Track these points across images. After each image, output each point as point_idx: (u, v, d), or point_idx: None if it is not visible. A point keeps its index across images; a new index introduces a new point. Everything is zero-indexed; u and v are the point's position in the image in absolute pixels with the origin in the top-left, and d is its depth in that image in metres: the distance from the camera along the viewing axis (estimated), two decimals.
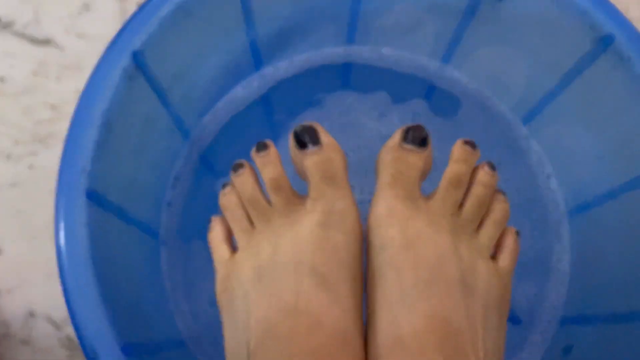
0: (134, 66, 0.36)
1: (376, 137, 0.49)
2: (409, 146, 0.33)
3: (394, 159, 0.33)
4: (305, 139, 0.33)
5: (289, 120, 0.50)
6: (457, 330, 0.29)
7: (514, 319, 0.45)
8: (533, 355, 0.44)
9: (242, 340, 0.31)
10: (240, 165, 0.35)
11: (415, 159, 0.33)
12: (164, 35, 0.37)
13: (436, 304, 0.29)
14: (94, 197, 0.33)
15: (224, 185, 0.36)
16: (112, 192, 0.36)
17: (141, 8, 0.36)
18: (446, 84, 0.50)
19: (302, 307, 0.29)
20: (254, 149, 0.34)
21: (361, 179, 0.48)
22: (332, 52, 0.51)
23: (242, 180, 0.34)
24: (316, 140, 0.33)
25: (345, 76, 0.52)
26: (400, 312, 0.29)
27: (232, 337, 0.33)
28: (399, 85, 0.51)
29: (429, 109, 0.50)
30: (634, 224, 0.39)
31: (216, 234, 0.36)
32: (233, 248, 0.35)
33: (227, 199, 0.35)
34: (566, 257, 0.46)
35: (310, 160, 0.33)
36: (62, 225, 0.31)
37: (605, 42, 0.38)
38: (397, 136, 0.34)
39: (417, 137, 0.33)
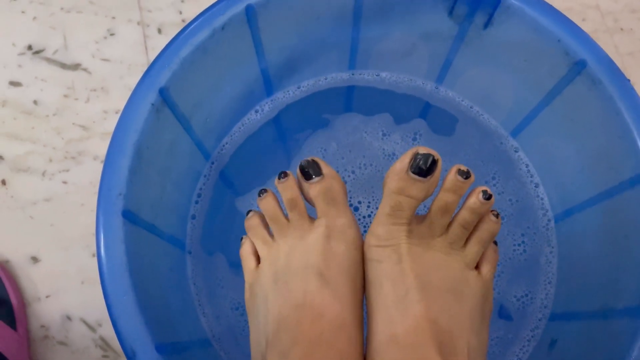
0: (161, 100, 0.41)
1: (380, 156, 0.54)
2: (414, 176, 0.34)
3: (397, 189, 0.35)
4: (310, 171, 0.38)
5: (299, 140, 0.55)
6: (444, 329, 0.33)
7: (506, 317, 0.49)
8: (524, 350, 0.48)
9: (262, 334, 0.36)
10: (264, 190, 0.40)
11: (418, 189, 0.35)
12: (185, 72, 0.42)
13: (425, 307, 0.34)
14: (129, 216, 0.38)
15: (248, 212, 0.42)
16: (144, 210, 0.41)
17: (165, 49, 0.41)
18: (442, 103, 0.55)
19: (308, 302, 0.34)
20: (276, 178, 0.40)
21: (368, 194, 0.53)
22: (337, 76, 0.55)
23: (266, 201, 0.40)
24: (318, 172, 0.38)
25: (349, 98, 0.56)
26: (394, 314, 0.34)
27: (255, 332, 0.38)
28: (399, 105, 0.55)
29: (429, 128, 0.55)
30: (610, 230, 0.43)
31: (245, 250, 0.41)
32: (259, 261, 0.41)
33: (251, 221, 0.41)
34: (554, 259, 0.50)
35: (315, 188, 0.38)
36: (102, 242, 0.36)
37: (579, 67, 0.42)
38: (405, 160, 0.35)
39: (423, 167, 0.34)
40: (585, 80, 0.42)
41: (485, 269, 0.37)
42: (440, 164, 0.35)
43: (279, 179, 0.39)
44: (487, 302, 0.37)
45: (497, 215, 0.37)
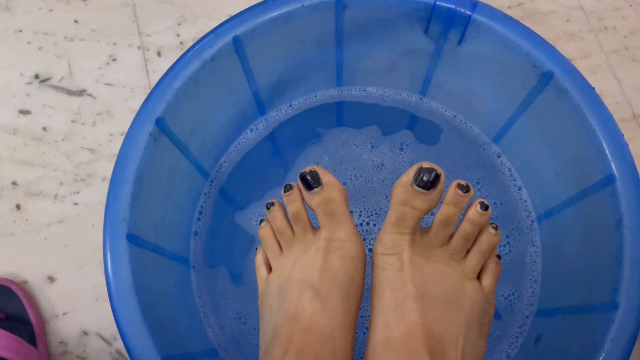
0: (158, 130, 0.44)
1: (370, 167, 0.57)
2: (418, 189, 0.36)
3: (403, 201, 0.37)
4: (309, 181, 0.40)
5: (294, 155, 0.58)
6: (437, 336, 0.36)
7: (495, 316, 0.52)
8: (512, 346, 0.50)
9: (263, 341, 0.39)
10: (272, 204, 0.43)
11: (421, 201, 0.37)
12: (179, 102, 0.45)
13: (421, 314, 0.36)
14: (133, 239, 0.42)
15: (260, 221, 0.44)
16: (147, 232, 0.44)
17: (158, 82, 0.44)
18: (426, 114, 0.58)
19: (299, 314, 0.37)
20: (282, 190, 0.41)
21: (359, 204, 0.56)
22: (326, 93, 0.58)
23: (273, 215, 0.42)
24: (318, 181, 0.40)
25: (339, 113, 0.59)
26: (392, 319, 0.37)
27: (261, 339, 0.41)
28: (386, 118, 0.58)
29: (415, 138, 0.57)
30: (586, 229, 0.46)
31: (258, 259, 0.44)
32: (270, 269, 0.43)
33: (263, 231, 0.43)
34: (539, 259, 0.52)
35: (314, 199, 0.40)
36: (109, 265, 0.40)
37: (546, 78, 0.45)
38: (410, 174, 0.37)
39: (427, 181, 0.36)
40: (553, 90, 0.45)
41: (487, 281, 0.39)
42: (442, 178, 0.37)
43: (285, 191, 0.41)
44: (486, 314, 0.39)
45: (496, 228, 0.38)
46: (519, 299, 0.52)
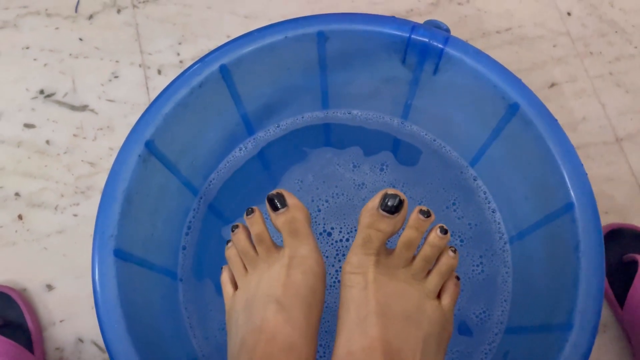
0: (147, 151, 0.47)
1: (351, 186, 0.60)
2: (383, 213, 0.39)
3: (368, 224, 0.40)
4: (276, 202, 0.43)
5: (280, 172, 0.61)
6: (396, 350, 0.38)
7: (466, 333, 0.54)
8: None
9: (231, 355, 0.42)
10: (236, 226, 0.46)
11: (386, 225, 0.40)
12: (168, 125, 0.48)
13: (381, 329, 0.39)
14: (120, 254, 0.45)
15: (228, 242, 0.47)
16: (135, 247, 0.47)
17: (149, 107, 0.48)
18: (407, 137, 0.60)
19: (264, 327, 0.40)
20: (245, 214, 0.44)
21: (340, 221, 0.58)
22: (312, 115, 0.61)
23: (237, 237, 0.45)
24: (284, 203, 0.43)
25: (326, 134, 0.62)
26: (354, 334, 0.39)
27: (230, 354, 0.43)
28: (369, 140, 0.61)
29: (395, 159, 0.60)
30: (551, 252, 0.48)
31: (224, 278, 0.47)
32: (236, 287, 0.46)
33: (229, 252, 0.46)
34: (509, 279, 0.55)
35: (279, 219, 0.43)
36: (97, 278, 0.43)
37: (513, 109, 0.48)
38: (376, 200, 0.40)
39: (391, 206, 0.39)
40: (519, 121, 0.48)
41: (446, 300, 0.42)
42: (406, 204, 0.40)
43: (247, 214, 0.44)
44: (444, 331, 0.41)
45: (454, 251, 0.41)
46: (490, 317, 0.54)
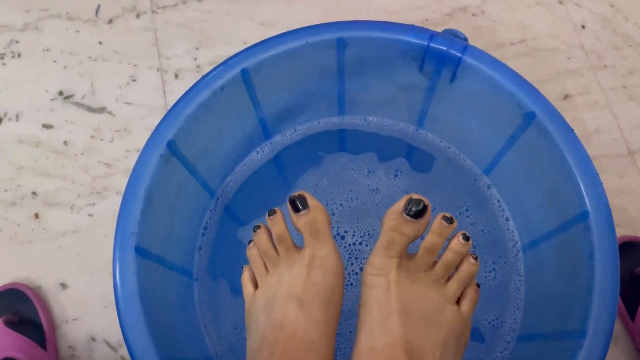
0: (169, 152, 0.48)
1: (365, 191, 0.60)
2: (407, 217, 0.40)
3: (393, 227, 0.41)
4: (298, 204, 0.44)
5: (295, 176, 0.61)
6: (417, 349, 0.39)
7: (479, 339, 0.54)
8: None
9: (251, 350, 0.43)
10: (258, 227, 0.47)
11: (409, 229, 0.40)
12: (190, 127, 0.49)
13: (402, 329, 0.39)
14: (140, 252, 0.45)
15: (250, 242, 0.48)
16: (154, 245, 0.48)
17: (172, 108, 0.49)
18: (422, 144, 0.61)
19: (285, 323, 0.40)
20: (267, 214, 0.45)
21: (353, 225, 0.59)
22: (328, 121, 0.62)
23: (259, 237, 0.46)
24: (305, 205, 0.44)
25: (341, 139, 0.63)
26: (376, 332, 0.40)
27: (249, 350, 0.44)
28: (384, 146, 0.61)
29: (409, 165, 0.61)
30: (564, 260, 0.49)
31: (245, 277, 0.47)
32: (256, 287, 0.47)
33: (251, 251, 0.47)
34: (522, 287, 0.55)
35: (301, 220, 0.44)
36: (117, 274, 0.44)
37: (529, 117, 0.48)
38: (401, 204, 0.41)
39: (415, 211, 0.40)
40: (535, 129, 0.48)
41: (465, 306, 0.43)
42: (430, 209, 0.41)
43: (269, 215, 0.45)
44: (462, 335, 0.42)
45: (475, 258, 0.42)
46: (502, 325, 0.54)
